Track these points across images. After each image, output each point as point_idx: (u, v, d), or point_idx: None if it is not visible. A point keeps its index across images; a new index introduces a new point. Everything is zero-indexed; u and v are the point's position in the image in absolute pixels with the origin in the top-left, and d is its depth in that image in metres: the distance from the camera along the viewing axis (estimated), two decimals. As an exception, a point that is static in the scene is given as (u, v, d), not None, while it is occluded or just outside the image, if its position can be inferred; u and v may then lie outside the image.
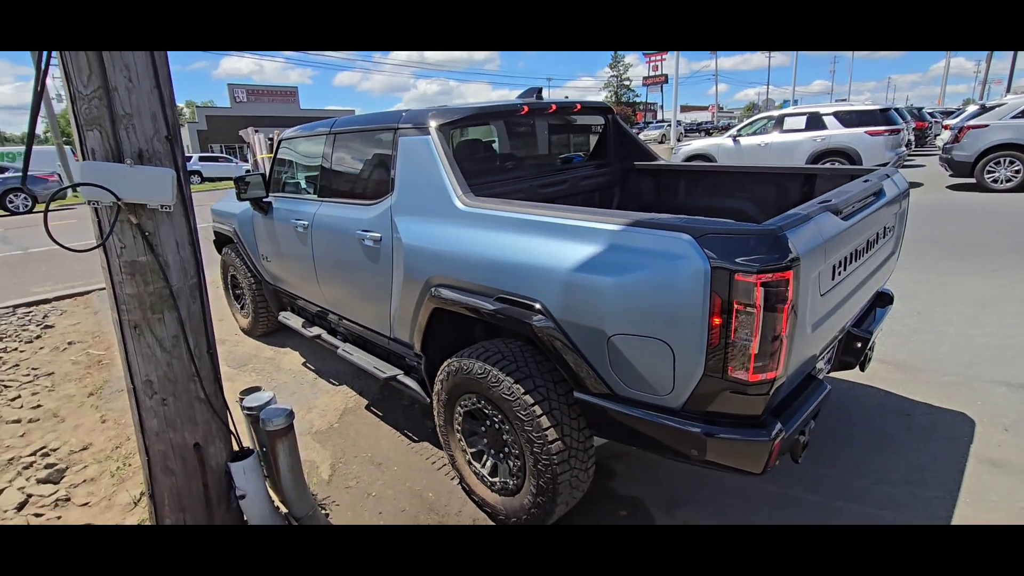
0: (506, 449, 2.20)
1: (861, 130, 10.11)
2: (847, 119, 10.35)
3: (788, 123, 11.10)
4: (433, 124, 2.45)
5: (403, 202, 2.51)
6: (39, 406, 3.40)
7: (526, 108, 2.75)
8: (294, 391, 3.58)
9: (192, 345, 1.82)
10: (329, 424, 3.16)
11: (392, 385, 2.78)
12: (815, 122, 10.66)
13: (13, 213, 15.79)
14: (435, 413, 2.48)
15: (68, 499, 2.50)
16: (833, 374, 3.17)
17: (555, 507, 2.07)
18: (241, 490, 1.99)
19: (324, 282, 3.20)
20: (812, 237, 1.57)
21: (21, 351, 4.30)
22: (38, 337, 4.60)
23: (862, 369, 2.44)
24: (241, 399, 2.17)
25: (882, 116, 10.15)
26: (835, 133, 10.35)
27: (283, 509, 2.21)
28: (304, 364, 3.98)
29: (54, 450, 2.89)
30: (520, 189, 2.84)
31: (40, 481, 2.59)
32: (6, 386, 3.64)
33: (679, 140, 29.42)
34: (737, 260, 1.45)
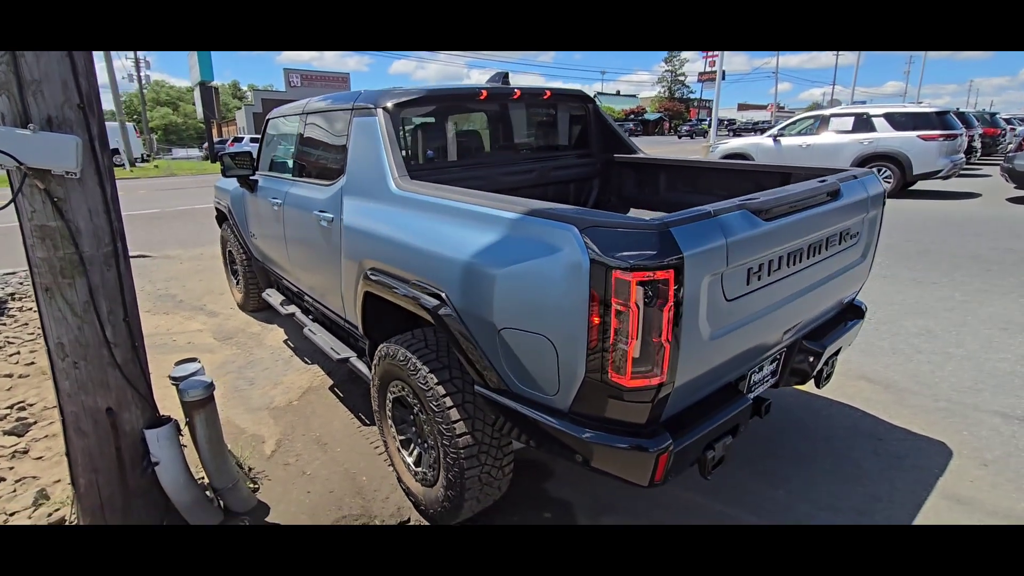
0: (429, 440, 2.15)
1: (913, 134, 9.43)
2: (899, 121, 9.68)
3: (834, 124, 10.48)
4: (382, 104, 2.41)
5: (351, 183, 2.50)
6: (33, 363, 3.60)
7: (484, 93, 2.67)
8: (267, 367, 3.65)
9: (105, 312, 1.86)
10: (288, 401, 3.20)
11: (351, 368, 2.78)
12: (863, 124, 10.01)
13: None
14: (371, 398, 2.46)
15: (26, 451, 2.63)
16: (822, 392, 2.99)
17: (463, 502, 2.01)
18: (155, 457, 2.02)
19: (293, 261, 3.24)
20: (710, 236, 1.44)
21: (34, 311, 4.56)
22: (53, 299, 4.87)
23: (818, 385, 2.27)
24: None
25: (938, 120, 9.43)
26: (884, 136, 9.70)
27: (206, 480, 2.25)
28: (285, 341, 4.05)
29: (31, 405, 3.05)
30: (479, 176, 2.77)
31: (6, 433, 2.74)
32: (9, 342, 3.87)
33: (730, 129, 28.38)
34: (615, 255, 1.34)
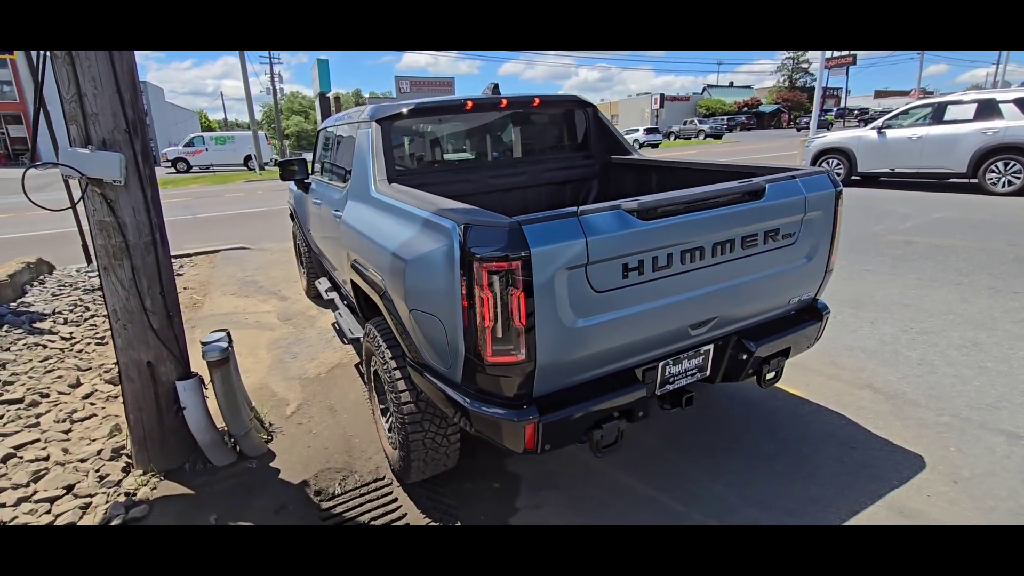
0: (391, 407, 2.50)
1: (1050, 121, 8.11)
2: (1033, 108, 8.36)
3: (952, 112, 9.29)
4: (376, 118, 2.79)
5: (353, 186, 2.91)
6: (141, 331, 4.49)
7: (470, 104, 2.95)
8: (311, 344, 4.23)
9: (145, 287, 2.42)
10: (318, 373, 3.72)
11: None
12: (988, 111, 8.78)
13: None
14: (362, 372, 2.86)
15: (117, 397, 3.37)
16: (814, 398, 2.92)
17: (411, 463, 2.32)
18: (183, 403, 2.57)
19: (326, 252, 3.76)
20: (567, 234, 1.61)
21: (153, 290, 5.61)
22: (169, 281, 5.93)
23: (760, 384, 2.27)
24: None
25: (1084, 104, 8.02)
26: (1013, 125, 8.44)
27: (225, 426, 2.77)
28: (332, 324, 4.63)
29: (130, 363, 3.86)
30: (469, 179, 3.06)
31: (106, 382, 3.52)
32: (129, 314, 4.84)
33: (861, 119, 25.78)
34: (475, 248, 1.57)
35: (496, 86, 3.06)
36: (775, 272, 2.11)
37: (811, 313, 2.36)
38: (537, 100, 3.15)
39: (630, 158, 3.34)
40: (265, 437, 2.94)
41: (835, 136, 11.17)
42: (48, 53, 2.14)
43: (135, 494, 2.45)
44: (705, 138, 39.68)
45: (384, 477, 2.64)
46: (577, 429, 1.81)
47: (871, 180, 10.71)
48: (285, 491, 2.55)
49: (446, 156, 3.20)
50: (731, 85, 74.14)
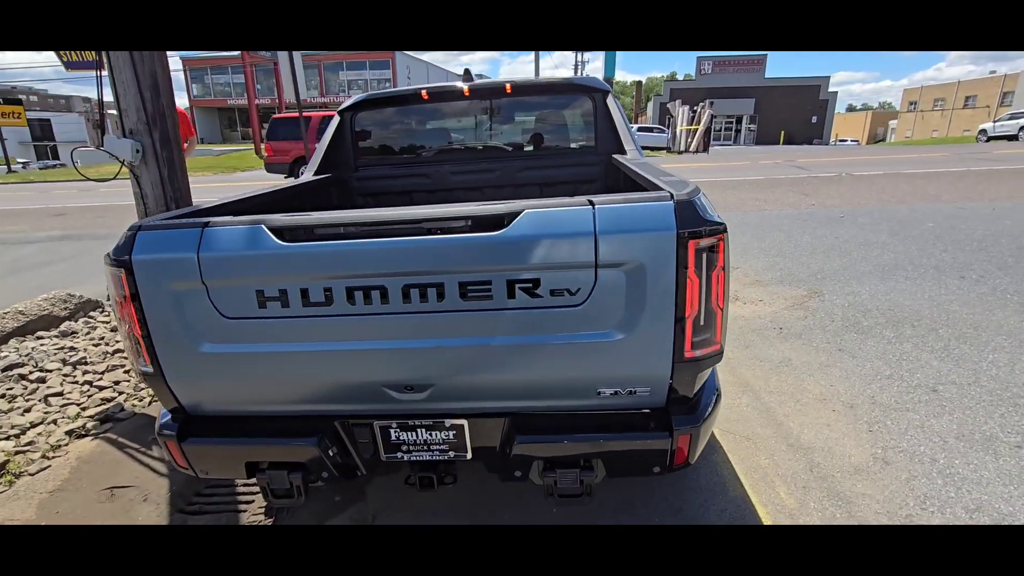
0: None
1: None
2: None
3: None
4: (340, 108, 2.85)
5: None
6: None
7: (425, 94, 2.68)
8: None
9: (161, 245, 3.09)
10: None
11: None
12: None
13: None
14: None
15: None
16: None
17: None
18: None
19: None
20: (180, 246, 1.41)
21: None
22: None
23: (545, 496, 1.58)
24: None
25: None
26: None
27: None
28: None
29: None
30: (424, 173, 2.85)
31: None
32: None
33: None
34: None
35: (467, 71, 2.71)
36: (542, 342, 1.40)
37: (658, 420, 1.48)
38: (509, 87, 2.67)
39: (627, 160, 2.56)
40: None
41: None
42: (105, 71, 2.88)
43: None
44: None
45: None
46: (233, 464, 1.62)
47: None
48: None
49: (407, 150, 3.01)
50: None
